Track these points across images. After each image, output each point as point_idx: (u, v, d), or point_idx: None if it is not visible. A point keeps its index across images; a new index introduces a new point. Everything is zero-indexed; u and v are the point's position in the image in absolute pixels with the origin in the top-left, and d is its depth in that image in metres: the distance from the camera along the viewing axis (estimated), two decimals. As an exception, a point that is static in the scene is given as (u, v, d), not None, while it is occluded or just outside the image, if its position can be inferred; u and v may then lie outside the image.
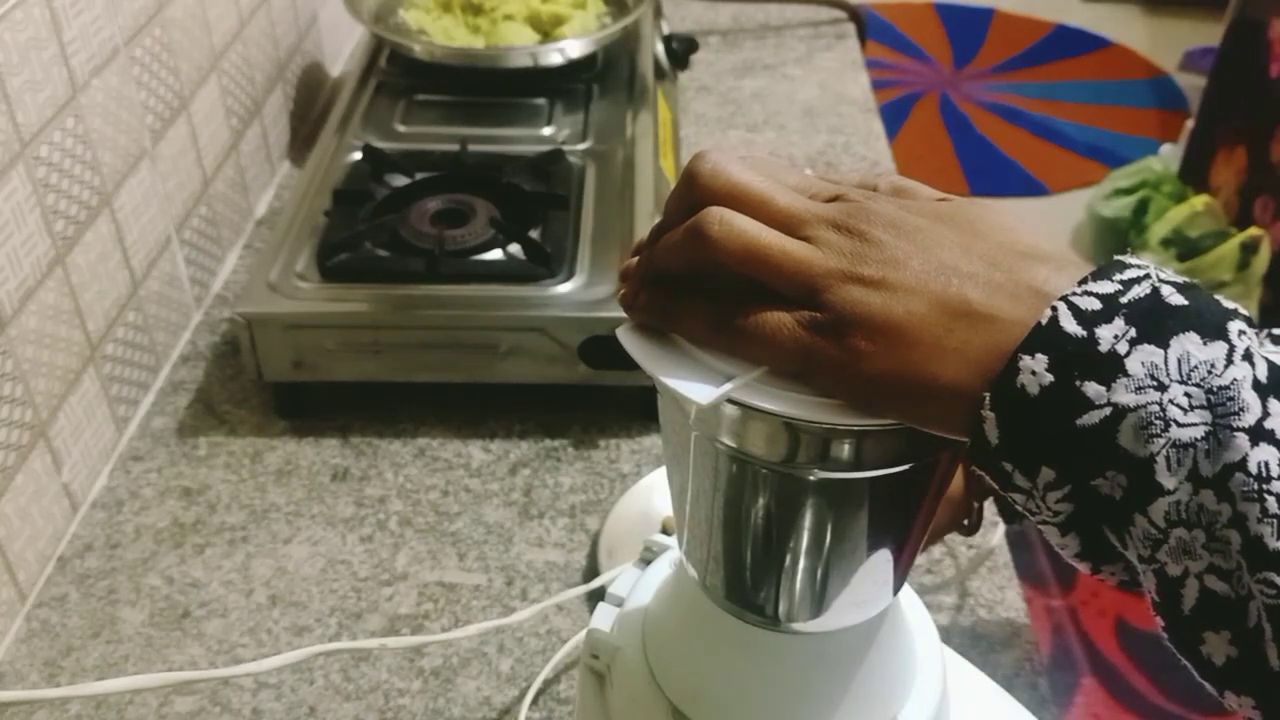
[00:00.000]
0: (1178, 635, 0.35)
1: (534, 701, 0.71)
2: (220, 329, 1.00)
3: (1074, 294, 0.35)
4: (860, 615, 0.47)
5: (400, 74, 1.15)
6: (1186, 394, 0.33)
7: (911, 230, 0.38)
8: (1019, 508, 0.37)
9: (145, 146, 0.90)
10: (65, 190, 0.79)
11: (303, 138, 1.24)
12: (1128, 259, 0.36)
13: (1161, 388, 0.33)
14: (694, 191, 0.40)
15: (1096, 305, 0.34)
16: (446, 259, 0.88)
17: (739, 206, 0.39)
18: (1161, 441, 0.33)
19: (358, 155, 1.01)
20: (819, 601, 0.45)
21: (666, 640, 0.50)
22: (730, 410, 0.39)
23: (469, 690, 0.72)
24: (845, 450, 0.39)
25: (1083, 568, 0.37)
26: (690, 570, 0.48)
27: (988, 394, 0.35)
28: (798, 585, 0.44)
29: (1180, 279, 0.35)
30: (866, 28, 1.48)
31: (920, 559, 0.79)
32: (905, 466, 0.40)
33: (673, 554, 0.56)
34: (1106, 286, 0.35)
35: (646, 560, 0.56)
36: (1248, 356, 0.33)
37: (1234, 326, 0.34)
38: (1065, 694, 1.72)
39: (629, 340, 0.41)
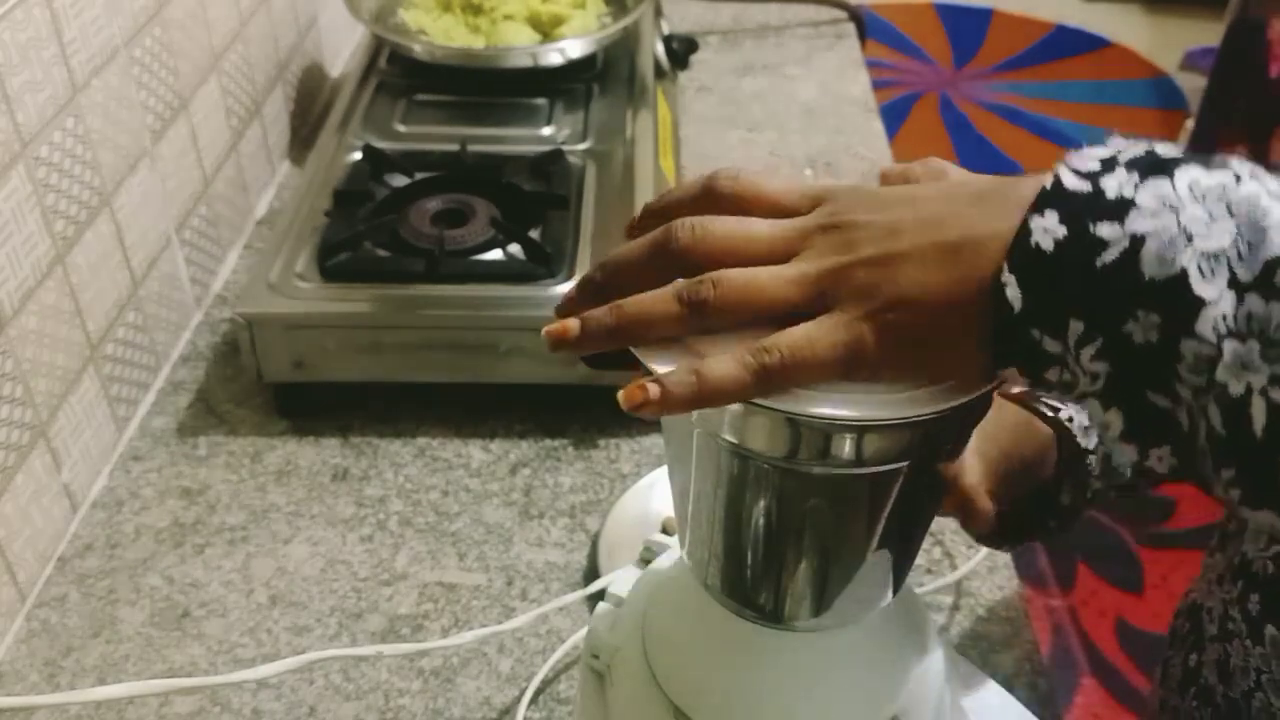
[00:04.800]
0: (1254, 473, 0.33)
1: (533, 701, 0.71)
2: (220, 329, 1.00)
3: (1071, 159, 0.36)
4: (860, 614, 0.47)
5: (400, 74, 1.15)
6: (1206, 210, 0.33)
7: (893, 202, 0.39)
8: (1056, 392, 0.36)
9: (145, 146, 0.90)
10: (65, 190, 0.79)
11: (303, 138, 1.24)
12: (1112, 137, 0.37)
13: (1176, 210, 0.33)
14: (678, 256, 0.40)
15: (1096, 165, 0.35)
16: (446, 259, 0.88)
17: (729, 258, 0.40)
18: (1189, 253, 0.33)
19: (358, 155, 1.01)
20: (819, 599, 0.45)
21: (666, 640, 0.50)
22: (732, 406, 0.39)
23: (469, 690, 0.72)
24: (846, 446, 0.39)
25: (1128, 453, 0.36)
26: (691, 568, 0.48)
27: (1005, 261, 0.35)
28: (798, 583, 0.44)
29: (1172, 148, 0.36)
30: (866, 28, 1.48)
31: (920, 559, 0.79)
32: (905, 464, 0.40)
33: (673, 554, 0.56)
34: (1102, 152, 0.36)
35: (646, 560, 0.56)
36: (1256, 177, 0.34)
37: (1234, 163, 0.35)
38: (1065, 694, 1.72)
39: None
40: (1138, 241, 0.33)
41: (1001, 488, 0.56)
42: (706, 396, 0.38)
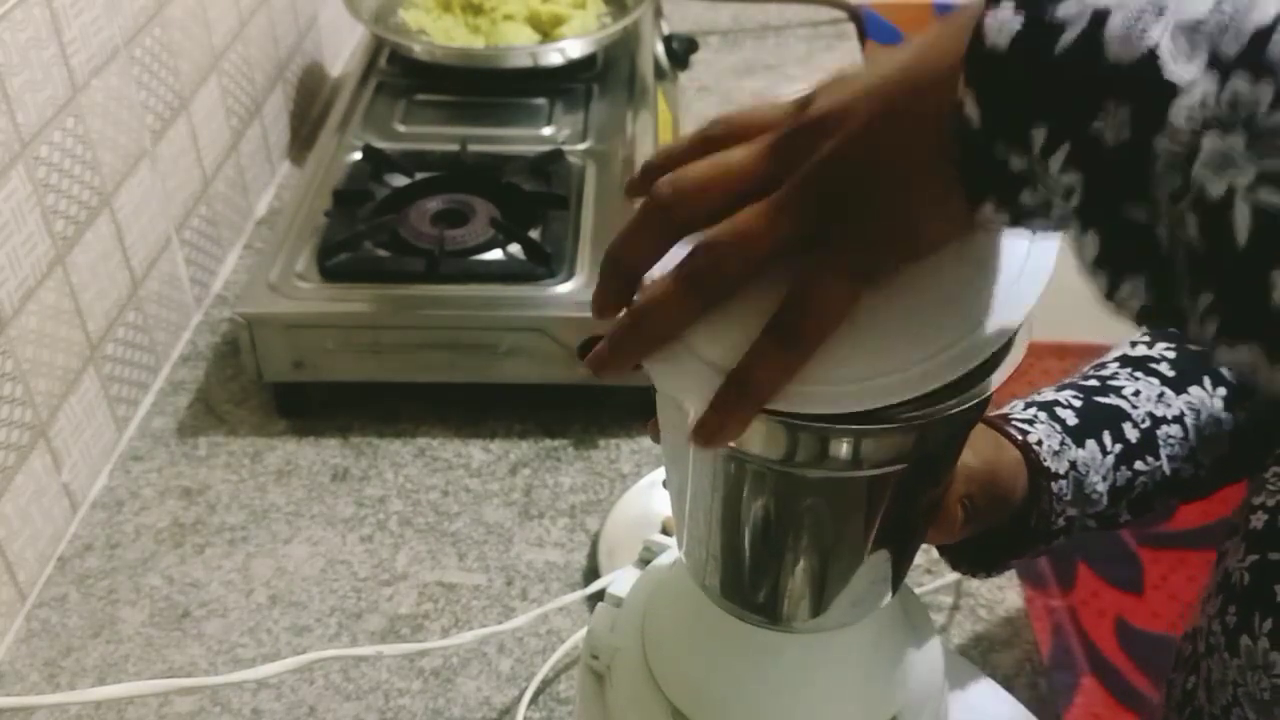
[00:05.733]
0: (1236, 294, 0.29)
1: (533, 701, 0.71)
2: (220, 329, 1.00)
3: None
4: (859, 614, 0.47)
5: (400, 74, 1.15)
6: None
7: (838, 86, 0.37)
8: (1029, 211, 0.33)
9: (145, 146, 0.90)
10: (65, 190, 0.79)
11: (303, 138, 1.24)
12: None
13: None
14: (665, 211, 0.39)
15: None
16: (446, 259, 0.88)
17: (712, 195, 0.38)
18: (1160, 27, 0.28)
19: (358, 155, 1.01)
20: (817, 601, 0.45)
21: (666, 640, 0.50)
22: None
23: (469, 690, 0.72)
24: (843, 449, 0.39)
25: (1100, 283, 0.32)
26: (689, 570, 0.48)
27: (961, 74, 0.31)
28: (796, 584, 0.44)
29: None
30: (866, 28, 1.48)
31: (920, 559, 0.79)
32: (902, 466, 0.40)
33: (672, 554, 0.56)
34: None
35: (646, 560, 0.56)
36: None
37: None
38: (1065, 694, 1.72)
39: None
40: (1100, 16, 0.29)
41: (983, 500, 0.55)
42: (643, 324, 0.38)
